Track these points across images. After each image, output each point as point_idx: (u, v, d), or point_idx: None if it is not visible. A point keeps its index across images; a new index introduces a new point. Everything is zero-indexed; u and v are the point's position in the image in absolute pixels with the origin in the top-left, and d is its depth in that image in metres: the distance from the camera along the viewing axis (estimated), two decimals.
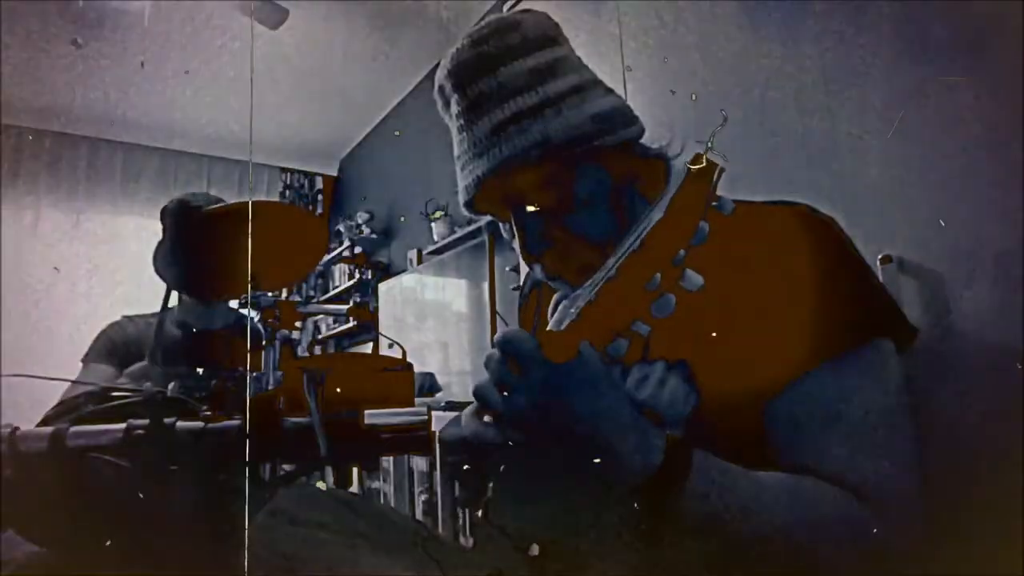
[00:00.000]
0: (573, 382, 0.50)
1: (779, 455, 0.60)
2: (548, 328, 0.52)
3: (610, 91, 0.73)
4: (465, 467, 0.80)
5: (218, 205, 1.51)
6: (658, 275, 0.43)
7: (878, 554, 0.55)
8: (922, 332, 0.67)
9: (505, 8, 2.18)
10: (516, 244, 0.72)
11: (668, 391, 0.66)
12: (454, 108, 0.73)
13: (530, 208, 0.70)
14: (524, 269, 2.23)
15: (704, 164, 0.43)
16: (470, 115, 0.71)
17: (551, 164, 0.69)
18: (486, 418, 0.53)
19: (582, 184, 0.70)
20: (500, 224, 0.77)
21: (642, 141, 0.74)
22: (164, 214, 1.67)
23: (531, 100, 0.69)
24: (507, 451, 0.55)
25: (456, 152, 0.74)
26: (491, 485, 0.68)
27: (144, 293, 1.74)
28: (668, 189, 0.44)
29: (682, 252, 0.43)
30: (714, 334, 0.63)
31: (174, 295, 1.75)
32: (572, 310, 0.49)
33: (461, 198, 0.74)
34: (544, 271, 0.73)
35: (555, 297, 0.57)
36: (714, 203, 0.44)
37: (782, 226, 0.65)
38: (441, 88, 0.75)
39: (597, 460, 0.52)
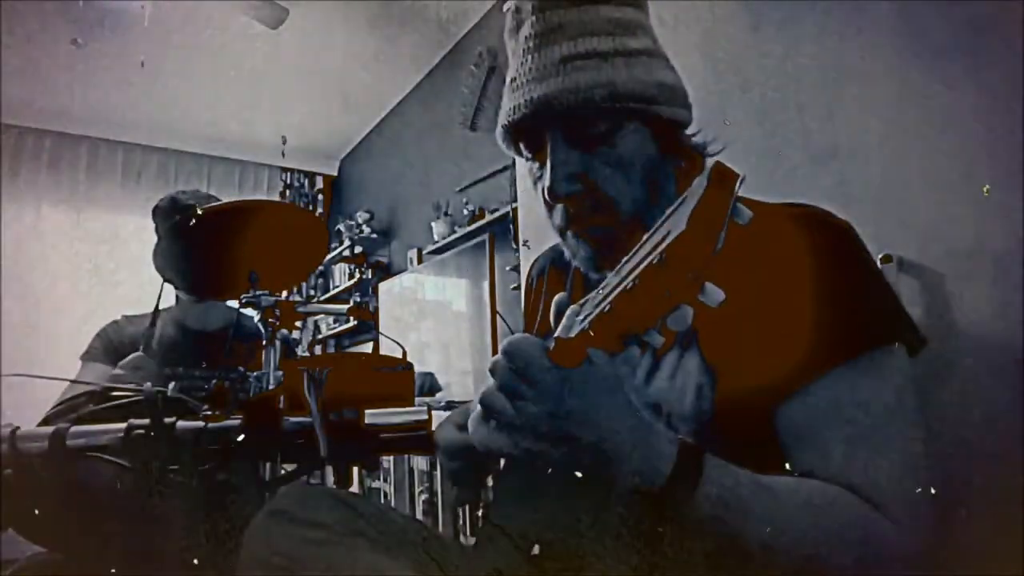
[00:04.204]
0: (582, 389, 0.50)
1: (790, 460, 0.60)
2: (556, 335, 0.51)
3: (675, 70, 0.75)
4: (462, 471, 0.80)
5: (214, 204, 1.50)
6: (675, 289, 0.42)
7: (890, 559, 0.55)
8: (923, 332, 0.67)
9: (504, 8, 2.17)
10: (542, 183, 0.72)
11: (679, 385, 0.66)
12: (526, 30, 0.73)
13: (569, 145, 0.70)
14: (525, 265, 2.22)
15: (725, 174, 0.42)
16: (543, 39, 0.71)
17: (607, 110, 0.69)
18: (493, 424, 0.53)
19: (627, 142, 0.70)
20: (528, 163, 0.77)
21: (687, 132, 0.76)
22: (155, 213, 1.67)
23: (607, 45, 0.70)
24: (515, 458, 0.55)
25: (512, 74, 0.74)
26: (490, 486, 0.68)
27: (144, 293, 1.74)
28: (688, 199, 0.43)
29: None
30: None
31: (170, 295, 1.75)
32: (580, 317, 0.48)
33: (504, 119, 0.74)
34: (563, 218, 0.73)
35: (556, 299, 0.56)
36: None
37: (795, 230, 0.65)
38: (518, 9, 0.76)
39: (602, 469, 0.51)
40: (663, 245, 0.41)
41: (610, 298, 0.44)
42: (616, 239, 0.71)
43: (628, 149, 0.70)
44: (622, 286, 0.43)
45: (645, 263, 0.42)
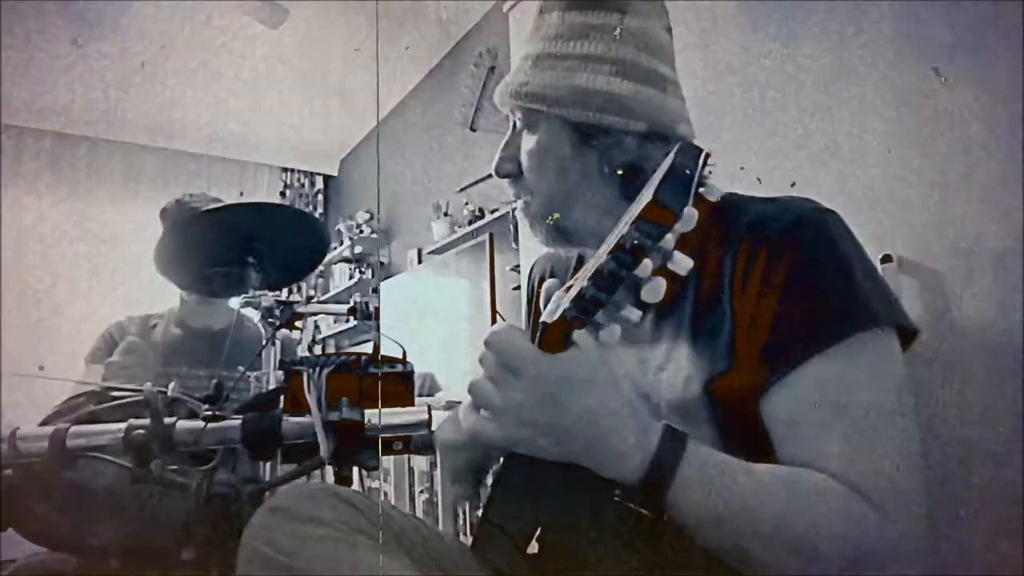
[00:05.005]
0: (566, 374, 0.50)
1: (778, 449, 0.60)
2: (542, 319, 0.51)
3: (643, 81, 0.72)
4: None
5: (216, 205, 1.51)
6: (647, 260, 0.42)
7: (878, 551, 0.55)
8: (922, 332, 0.67)
9: (504, 9, 2.18)
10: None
11: (668, 376, 0.66)
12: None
13: (514, 131, 0.79)
14: (525, 265, 2.22)
15: (690, 149, 0.43)
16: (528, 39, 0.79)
17: (527, 109, 0.75)
18: (483, 412, 0.53)
19: (542, 138, 0.75)
20: None
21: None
22: (163, 215, 1.67)
23: (538, 48, 0.75)
24: (503, 446, 0.55)
25: None
26: (489, 484, 0.67)
27: (144, 293, 1.75)
28: (656, 175, 0.44)
29: (670, 236, 0.42)
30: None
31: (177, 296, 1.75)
32: (564, 300, 0.49)
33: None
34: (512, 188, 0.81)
35: (546, 285, 0.57)
36: (701, 189, 0.44)
37: (781, 219, 0.65)
38: None
39: (587, 452, 0.52)
40: (631, 218, 0.42)
41: (587, 276, 0.45)
42: (538, 223, 0.78)
43: (543, 144, 0.75)
44: (596, 264, 0.44)
45: (615, 236, 0.43)
